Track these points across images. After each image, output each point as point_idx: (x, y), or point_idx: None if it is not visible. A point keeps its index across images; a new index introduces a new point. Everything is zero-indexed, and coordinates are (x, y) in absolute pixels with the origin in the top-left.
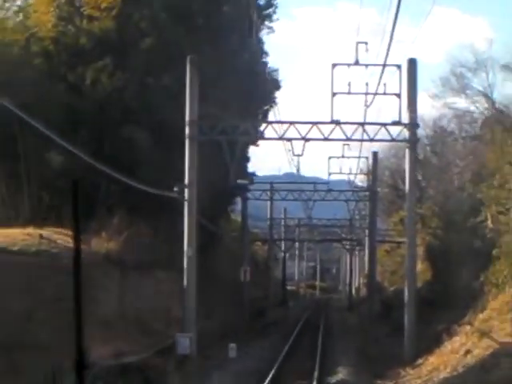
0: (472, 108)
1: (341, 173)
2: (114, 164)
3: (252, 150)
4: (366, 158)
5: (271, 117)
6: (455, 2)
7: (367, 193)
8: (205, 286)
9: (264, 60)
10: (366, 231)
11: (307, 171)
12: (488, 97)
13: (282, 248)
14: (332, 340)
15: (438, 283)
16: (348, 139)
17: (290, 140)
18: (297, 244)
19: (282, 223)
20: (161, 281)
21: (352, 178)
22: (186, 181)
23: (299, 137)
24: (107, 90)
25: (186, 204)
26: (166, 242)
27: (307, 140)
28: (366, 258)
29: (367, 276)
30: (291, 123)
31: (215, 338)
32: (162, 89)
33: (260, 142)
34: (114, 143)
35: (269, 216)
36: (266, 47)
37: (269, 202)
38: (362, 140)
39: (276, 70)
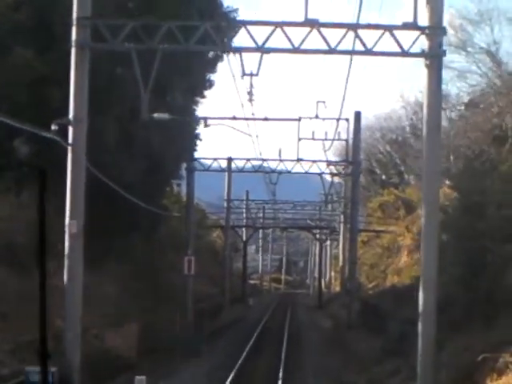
0: (473, 68)
1: (313, 139)
2: None
3: None
4: (346, 119)
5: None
6: None
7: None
8: (138, 282)
9: None
10: (341, 217)
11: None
12: (492, 55)
13: (244, 237)
14: (300, 361)
15: (467, 285)
16: (331, 50)
17: (240, 51)
18: (260, 233)
19: (244, 207)
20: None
21: (327, 145)
22: (71, 114)
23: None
24: None
25: (69, 151)
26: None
27: (265, 51)
28: (340, 248)
29: (342, 269)
30: (244, 24)
31: (122, 361)
32: None
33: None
34: None
35: (226, 195)
36: None
37: (226, 181)
38: (352, 52)
39: None
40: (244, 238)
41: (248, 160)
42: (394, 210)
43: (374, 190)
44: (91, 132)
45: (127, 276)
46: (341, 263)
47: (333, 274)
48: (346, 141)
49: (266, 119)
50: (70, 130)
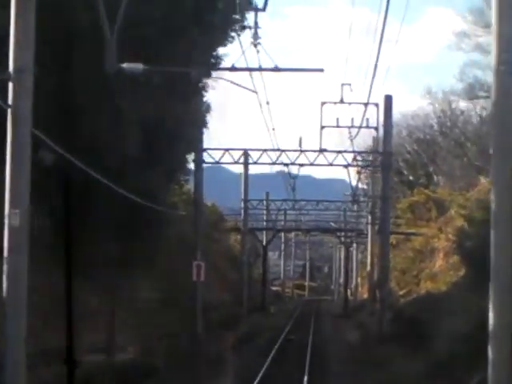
0: None
1: (338, 126)
2: None
3: None
4: (376, 104)
5: None
6: None
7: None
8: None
9: None
10: (369, 217)
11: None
12: None
13: (264, 240)
14: None
15: None
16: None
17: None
18: (282, 237)
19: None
20: None
21: (353, 133)
22: (11, 64)
23: None
24: None
25: (9, 114)
26: None
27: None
28: (368, 252)
29: (370, 275)
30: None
31: None
32: None
33: None
34: None
35: (243, 195)
36: None
37: (243, 179)
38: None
39: None
40: (264, 242)
41: (264, 151)
42: (425, 210)
43: (402, 192)
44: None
45: (124, 286)
46: (368, 268)
47: (359, 280)
48: (376, 128)
49: (276, 69)
50: (10, 86)
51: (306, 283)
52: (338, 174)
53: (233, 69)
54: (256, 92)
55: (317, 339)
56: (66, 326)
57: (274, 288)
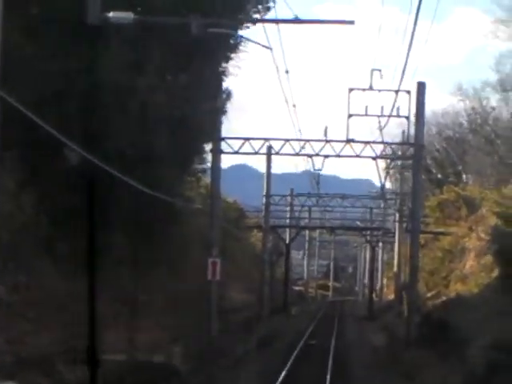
0: None
1: (366, 114)
2: None
3: None
4: (407, 92)
5: None
6: None
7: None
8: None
9: None
10: (397, 215)
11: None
12: None
13: (287, 238)
14: None
15: None
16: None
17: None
18: (306, 235)
19: (286, 204)
20: None
21: (383, 123)
22: None
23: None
24: None
25: None
26: None
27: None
28: (395, 251)
29: (396, 275)
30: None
31: None
32: None
33: None
34: None
35: (265, 190)
36: None
37: (265, 173)
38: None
39: None
40: (287, 240)
41: (287, 141)
42: (455, 209)
43: (430, 190)
44: None
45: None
46: (395, 269)
47: (385, 281)
48: (407, 118)
49: (297, 21)
50: None
51: (330, 283)
52: (365, 173)
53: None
54: (271, 48)
55: (340, 344)
56: (88, 327)
57: (297, 288)
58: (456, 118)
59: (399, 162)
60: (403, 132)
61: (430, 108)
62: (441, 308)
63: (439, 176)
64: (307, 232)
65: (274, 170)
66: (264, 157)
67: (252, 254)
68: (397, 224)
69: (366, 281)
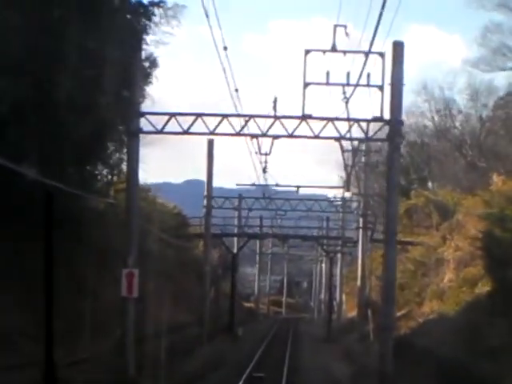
0: None
1: (327, 84)
2: None
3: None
4: (380, 54)
5: None
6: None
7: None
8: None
9: None
10: (360, 220)
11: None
12: None
13: (235, 248)
14: None
15: None
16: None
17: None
18: (257, 247)
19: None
20: None
21: (349, 92)
22: None
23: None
24: None
25: None
26: None
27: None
28: (359, 262)
29: (360, 290)
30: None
31: None
32: None
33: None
34: None
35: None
36: None
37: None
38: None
39: None
40: (235, 250)
41: (225, 117)
42: (425, 216)
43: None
44: None
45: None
46: (358, 283)
47: (343, 296)
48: (381, 87)
49: None
50: None
51: (284, 299)
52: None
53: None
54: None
55: (295, 377)
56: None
57: (248, 304)
58: (421, 119)
59: (362, 158)
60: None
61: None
62: (418, 331)
63: (403, 183)
64: (258, 244)
65: (228, 185)
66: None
67: (195, 268)
68: (360, 231)
69: (322, 296)
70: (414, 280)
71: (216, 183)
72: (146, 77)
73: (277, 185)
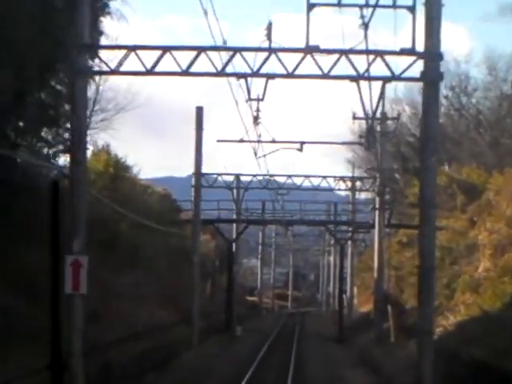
0: None
1: (339, 4)
2: None
3: None
4: None
5: None
6: None
7: None
8: None
9: None
10: (376, 200)
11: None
12: None
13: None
14: None
15: None
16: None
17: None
18: (260, 237)
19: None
20: None
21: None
22: None
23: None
24: None
25: None
26: None
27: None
28: (375, 249)
29: (377, 281)
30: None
31: None
32: None
33: None
34: None
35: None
36: None
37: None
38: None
39: None
40: (234, 236)
41: (202, 50)
42: (448, 197)
43: (406, 181)
44: None
45: None
46: (375, 274)
47: (355, 289)
48: (411, 8)
49: None
50: None
51: (289, 292)
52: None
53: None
54: None
55: None
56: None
57: (251, 299)
58: None
59: (378, 126)
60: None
61: (403, 84)
62: (460, 334)
63: (417, 165)
64: (260, 234)
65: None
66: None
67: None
68: (376, 213)
69: (330, 289)
70: (442, 269)
71: None
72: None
73: (273, 141)
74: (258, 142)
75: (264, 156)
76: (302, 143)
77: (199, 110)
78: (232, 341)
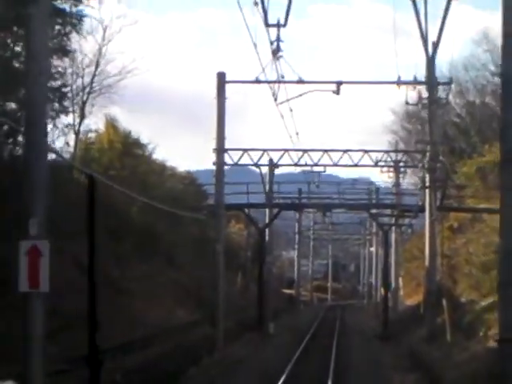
0: None
1: None
2: None
3: None
4: None
5: None
6: None
7: None
8: None
9: None
10: (427, 177)
11: None
12: None
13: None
14: None
15: None
16: None
17: None
18: (296, 227)
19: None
20: None
21: None
22: None
23: None
24: None
25: None
26: None
27: None
28: (426, 235)
29: (429, 271)
30: None
31: None
32: None
33: None
34: None
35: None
36: None
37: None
38: None
39: None
40: (266, 226)
41: None
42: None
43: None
44: None
45: None
46: (427, 262)
47: (400, 280)
48: None
49: None
50: None
51: (329, 284)
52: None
53: None
54: None
55: None
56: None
57: (288, 291)
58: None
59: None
60: None
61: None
62: None
63: (463, 146)
64: (296, 225)
65: None
66: None
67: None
68: (427, 192)
69: (372, 280)
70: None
71: None
72: None
73: (300, 80)
74: (279, 82)
75: (287, 101)
76: (339, 83)
77: (221, 76)
78: (264, 339)
